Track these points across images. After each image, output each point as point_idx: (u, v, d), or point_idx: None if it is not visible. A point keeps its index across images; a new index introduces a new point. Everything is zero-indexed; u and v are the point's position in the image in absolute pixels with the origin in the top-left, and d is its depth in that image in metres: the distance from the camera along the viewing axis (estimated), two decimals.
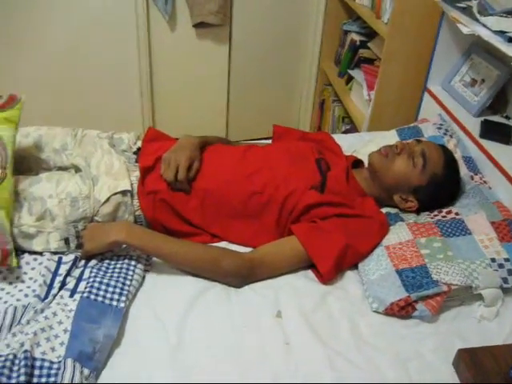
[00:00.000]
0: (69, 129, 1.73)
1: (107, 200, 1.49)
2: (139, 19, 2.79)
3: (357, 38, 2.64)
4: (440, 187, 1.57)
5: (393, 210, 1.63)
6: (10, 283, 1.36)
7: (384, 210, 1.62)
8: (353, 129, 2.68)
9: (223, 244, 1.55)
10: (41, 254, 1.44)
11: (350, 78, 2.69)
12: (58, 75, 2.93)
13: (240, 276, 1.40)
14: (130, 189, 1.51)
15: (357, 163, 1.76)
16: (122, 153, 1.66)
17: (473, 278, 1.36)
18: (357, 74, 2.57)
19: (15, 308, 1.28)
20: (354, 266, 1.49)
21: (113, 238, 1.38)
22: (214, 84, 3.14)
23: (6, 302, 1.30)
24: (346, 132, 2.77)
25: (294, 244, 1.44)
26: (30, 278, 1.38)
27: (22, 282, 1.37)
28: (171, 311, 1.32)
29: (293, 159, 1.64)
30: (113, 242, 1.38)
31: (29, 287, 1.35)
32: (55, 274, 1.40)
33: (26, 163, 1.65)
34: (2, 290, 1.34)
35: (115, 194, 1.50)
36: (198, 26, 2.86)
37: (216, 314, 1.33)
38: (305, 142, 1.80)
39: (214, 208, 1.54)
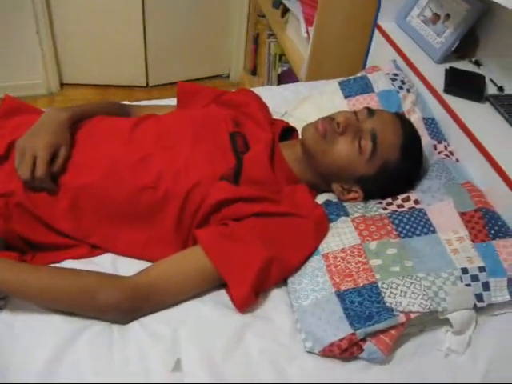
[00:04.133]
0: None
1: None
2: None
3: None
4: (393, 177, 1.19)
5: (334, 198, 1.25)
6: None
7: (322, 198, 1.24)
8: (290, 71, 2.24)
9: (108, 258, 1.15)
10: None
11: (287, 9, 2.22)
12: None
13: (122, 312, 1.01)
14: None
15: (288, 132, 1.35)
16: None
17: (439, 299, 1.01)
18: (293, 4, 2.09)
19: None
20: (284, 282, 1.12)
21: None
22: (127, 18, 2.62)
23: None
24: (281, 75, 2.33)
25: (200, 258, 1.06)
26: None
27: None
28: (24, 372, 0.93)
29: (198, 135, 1.23)
30: None
31: None
32: None
33: None
34: None
35: None
36: None
37: (87, 370, 0.95)
38: (218, 106, 1.37)
39: (90, 210, 1.14)
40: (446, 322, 1.03)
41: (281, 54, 2.43)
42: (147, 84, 2.84)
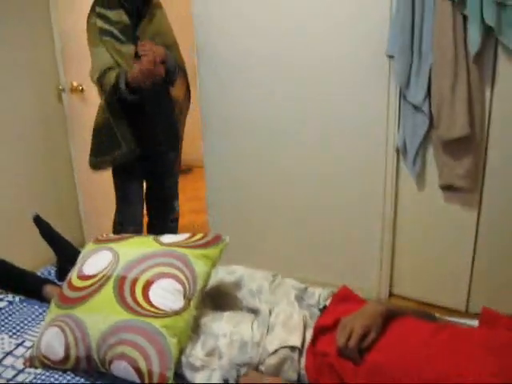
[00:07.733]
0: (269, 274, 1.81)
1: (275, 352, 1.48)
2: (387, 171, 2.91)
3: None
4: None
5: None
6: None
7: None
8: None
9: None
10: None
11: None
12: (301, 206, 3.19)
13: None
14: (299, 345, 1.48)
15: None
16: (307, 307, 1.65)
17: None
18: None
19: None
20: None
21: None
22: (458, 249, 2.92)
23: None
24: None
25: None
26: None
27: None
28: None
29: (490, 350, 1.39)
30: None
31: None
32: None
33: (225, 299, 1.78)
34: None
35: (284, 347, 1.48)
36: (446, 188, 2.78)
37: None
38: None
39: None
40: None
41: None
42: (466, 310, 3.00)
